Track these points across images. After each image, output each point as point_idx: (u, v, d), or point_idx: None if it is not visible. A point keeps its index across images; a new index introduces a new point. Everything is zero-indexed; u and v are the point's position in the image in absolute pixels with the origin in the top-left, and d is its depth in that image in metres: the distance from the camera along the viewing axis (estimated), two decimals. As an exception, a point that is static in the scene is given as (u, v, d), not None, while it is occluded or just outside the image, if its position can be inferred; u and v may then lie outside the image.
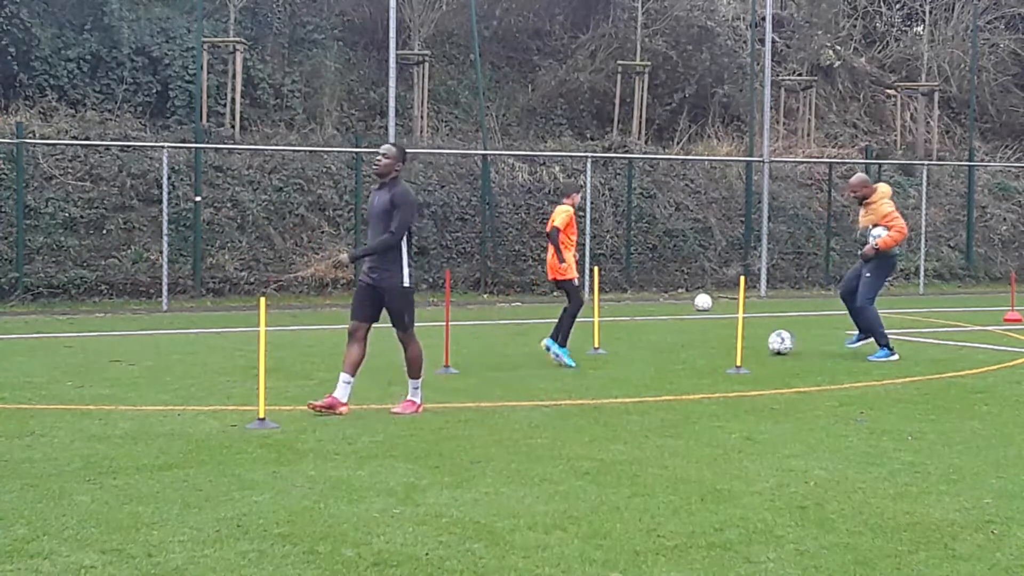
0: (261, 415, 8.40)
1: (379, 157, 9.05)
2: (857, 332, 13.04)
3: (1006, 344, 14.32)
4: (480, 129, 24.16)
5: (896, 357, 12.47)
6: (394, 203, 8.84)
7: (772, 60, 24.88)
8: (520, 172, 23.94)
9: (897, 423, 8.75)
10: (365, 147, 22.21)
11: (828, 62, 29.94)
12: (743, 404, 9.64)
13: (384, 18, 21.73)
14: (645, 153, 25.31)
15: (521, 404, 9.53)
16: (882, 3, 31.42)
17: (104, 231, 20.30)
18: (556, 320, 12.20)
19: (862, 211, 12.92)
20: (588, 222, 22.20)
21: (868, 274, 12.70)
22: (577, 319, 12.11)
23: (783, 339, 12.96)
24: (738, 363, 11.51)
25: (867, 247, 12.73)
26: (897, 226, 12.57)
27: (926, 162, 27.13)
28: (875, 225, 12.67)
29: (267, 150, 21.95)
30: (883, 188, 12.97)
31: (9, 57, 21.70)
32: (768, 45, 24.16)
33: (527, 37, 28.00)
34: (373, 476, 6.85)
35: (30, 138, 20.12)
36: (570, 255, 12.02)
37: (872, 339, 12.75)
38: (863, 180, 12.98)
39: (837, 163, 26.64)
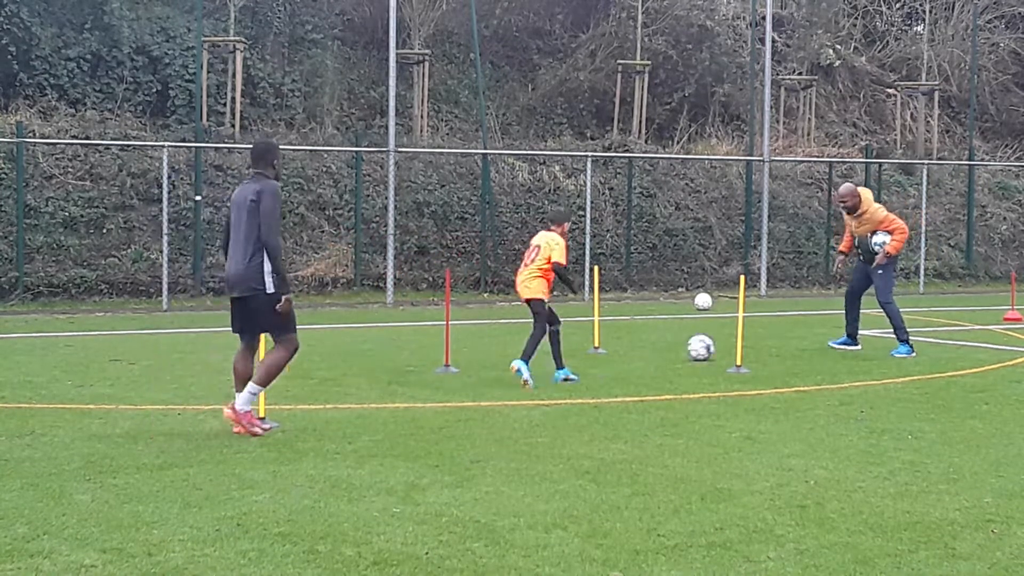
0: (261, 414, 8.41)
1: None
2: (845, 336, 13.33)
3: (1006, 343, 14.32)
4: (480, 128, 24.16)
5: (915, 355, 12.62)
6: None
7: (772, 59, 24.87)
8: (520, 171, 23.94)
9: (897, 422, 8.75)
10: (365, 146, 22.21)
11: (828, 61, 29.93)
12: (743, 403, 9.64)
13: (384, 17, 21.72)
14: (645, 152, 25.30)
15: (521, 403, 9.53)
16: (882, 2, 31.41)
17: (104, 230, 20.30)
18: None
19: (853, 221, 13.15)
20: (588, 221, 22.20)
21: (880, 271, 13.02)
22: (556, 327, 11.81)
23: (706, 345, 12.18)
24: (738, 362, 11.50)
25: (879, 256, 12.92)
26: (899, 228, 12.92)
27: (926, 161, 27.12)
28: (874, 232, 12.93)
29: (267, 149, 21.91)
30: (866, 193, 13.21)
31: (9, 56, 21.70)
32: (768, 44, 24.15)
33: (527, 36, 28.01)
34: (373, 475, 6.85)
35: (30, 137, 20.11)
36: None
37: (857, 347, 13.17)
38: (852, 190, 13.19)
39: (837, 162, 26.64)
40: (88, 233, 20.20)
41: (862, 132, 29.78)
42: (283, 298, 7.99)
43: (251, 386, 8.05)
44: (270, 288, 7.98)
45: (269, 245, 8.02)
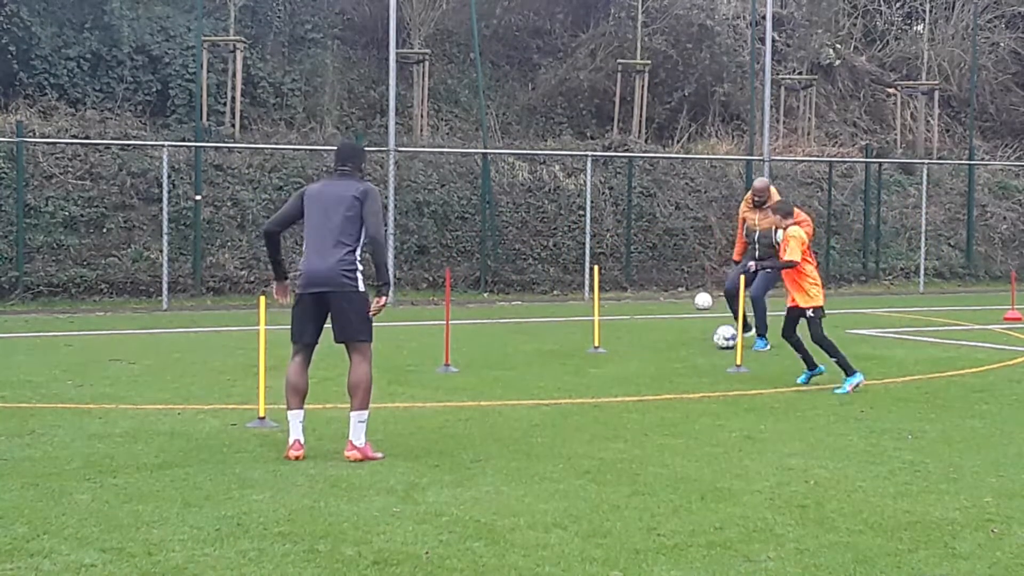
0: (261, 414, 8.41)
1: None
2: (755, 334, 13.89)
3: (1006, 343, 14.31)
4: (480, 128, 24.16)
5: (770, 347, 13.23)
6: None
7: (772, 59, 24.83)
8: (520, 171, 23.93)
9: (897, 422, 8.75)
10: (365, 146, 22.20)
11: (828, 61, 29.92)
12: (743, 403, 9.64)
13: (384, 17, 21.71)
14: (645, 152, 25.29)
15: (521, 403, 9.53)
16: (882, 1, 31.40)
17: (104, 230, 20.29)
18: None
19: (759, 213, 13.52)
20: (588, 221, 22.20)
21: (769, 270, 13.40)
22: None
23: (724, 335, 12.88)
24: (738, 362, 11.51)
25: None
26: (805, 220, 13.33)
27: (926, 161, 27.11)
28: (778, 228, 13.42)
29: (267, 149, 21.93)
30: (772, 188, 13.86)
31: (9, 56, 21.69)
32: (768, 44, 24.13)
33: (527, 36, 27.99)
34: (373, 475, 6.85)
35: (30, 137, 20.10)
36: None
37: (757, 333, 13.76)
38: (767, 184, 13.87)
39: (837, 162, 26.63)
40: (88, 233, 20.19)
41: (862, 131, 29.76)
42: (385, 298, 7.83)
43: (358, 415, 7.45)
44: (361, 287, 7.73)
45: (380, 242, 7.84)
